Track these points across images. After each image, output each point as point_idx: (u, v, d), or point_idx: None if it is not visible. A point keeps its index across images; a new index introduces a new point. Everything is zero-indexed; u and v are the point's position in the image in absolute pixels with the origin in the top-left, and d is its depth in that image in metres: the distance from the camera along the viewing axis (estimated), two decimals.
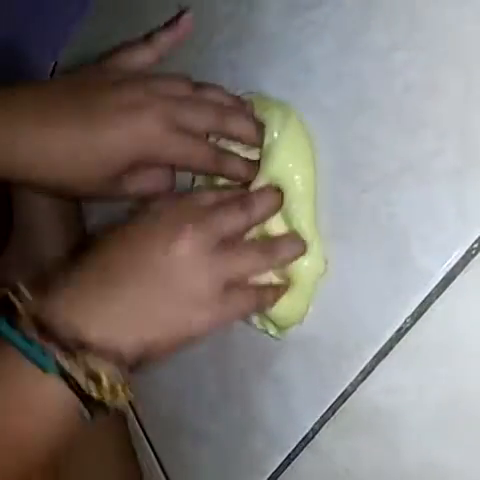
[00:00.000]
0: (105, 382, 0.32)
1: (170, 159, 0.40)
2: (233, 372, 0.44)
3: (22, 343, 0.32)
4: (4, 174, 0.38)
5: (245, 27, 0.44)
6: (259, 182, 0.39)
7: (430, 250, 0.34)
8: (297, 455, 0.41)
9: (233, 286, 0.37)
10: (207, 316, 0.36)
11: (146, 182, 0.42)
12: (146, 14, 0.54)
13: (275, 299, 0.39)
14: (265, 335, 0.41)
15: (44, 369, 0.32)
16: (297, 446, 0.40)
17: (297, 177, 0.39)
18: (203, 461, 0.47)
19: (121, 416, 0.54)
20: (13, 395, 0.33)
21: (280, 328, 0.40)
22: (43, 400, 0.33)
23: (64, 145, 0.38)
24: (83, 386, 0.32)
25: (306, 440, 0.40)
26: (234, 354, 0.44)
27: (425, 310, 0.34)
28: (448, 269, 0.33)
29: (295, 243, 0.39)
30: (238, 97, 0.43)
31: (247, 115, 0.41)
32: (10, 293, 0.33)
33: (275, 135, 0.39)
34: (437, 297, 0.34)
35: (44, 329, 0.32)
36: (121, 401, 0.33)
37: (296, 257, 0.39)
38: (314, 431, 0.39)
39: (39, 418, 0.33)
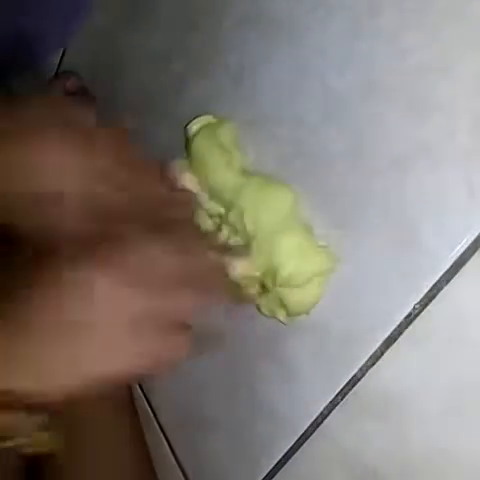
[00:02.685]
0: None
1: None
2: (243, 358, 0.45)
3: None
4: None
5: (255, 9, 0.44)
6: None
7: (440, 235, 0.34)
8: (306, 439, 0.41)
9: None
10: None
11: None
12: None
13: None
14: (275, 321, 0.41)
15: None
16: (306, 430, 0.41)
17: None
18: (214, 447, 0.48)
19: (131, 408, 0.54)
20: None
21: (291, 314, 0.40)
22: None
23: None
24: None
25: (315, 424, 0.40)
26: (244, 340, 0.44)
27: (434, 296, 0.34)
28: (458, 254, 0.33)
29: None
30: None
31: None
32: None
33: None
34: (447, 283, 0.34)
35: None
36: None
37: None
38: (323, 416, 0.39)
39: None
